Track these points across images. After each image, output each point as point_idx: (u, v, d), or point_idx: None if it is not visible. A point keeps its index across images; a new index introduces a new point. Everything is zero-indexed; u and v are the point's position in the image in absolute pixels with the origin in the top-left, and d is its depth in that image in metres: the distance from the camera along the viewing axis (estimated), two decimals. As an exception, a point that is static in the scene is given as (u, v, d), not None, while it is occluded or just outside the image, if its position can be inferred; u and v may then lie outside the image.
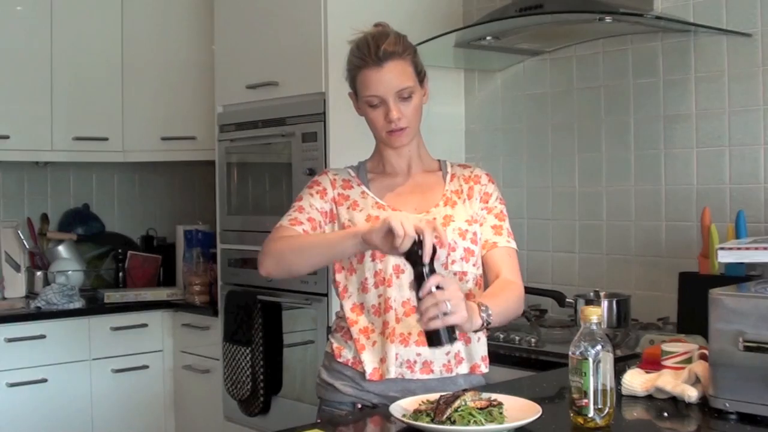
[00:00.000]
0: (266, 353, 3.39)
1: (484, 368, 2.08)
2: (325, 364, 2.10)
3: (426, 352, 1.98)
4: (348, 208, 2.05)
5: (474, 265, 2.05)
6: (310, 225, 2.03)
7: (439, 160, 2.17)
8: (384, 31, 2.03)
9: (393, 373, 1.98)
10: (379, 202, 2.05)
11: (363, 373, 2.00)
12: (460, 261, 2.02)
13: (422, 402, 1.73)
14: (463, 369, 2.04)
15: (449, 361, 2.02)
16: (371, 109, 2.00)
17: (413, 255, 1.74)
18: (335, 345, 2.07)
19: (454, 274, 2.01)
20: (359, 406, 2.01)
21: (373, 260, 1.99)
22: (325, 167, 3.07)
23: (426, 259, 1.73)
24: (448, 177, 2.12)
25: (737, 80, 2.76)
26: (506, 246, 2.08)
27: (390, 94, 1.97)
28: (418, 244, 1.74)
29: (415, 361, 1.99)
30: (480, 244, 2.07)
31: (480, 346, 2.08)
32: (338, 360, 2.05)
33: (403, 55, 1.99)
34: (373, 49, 1.97)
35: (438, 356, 2.00)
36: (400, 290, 1.98)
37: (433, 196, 2.08)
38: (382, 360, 1.99)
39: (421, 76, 2.04)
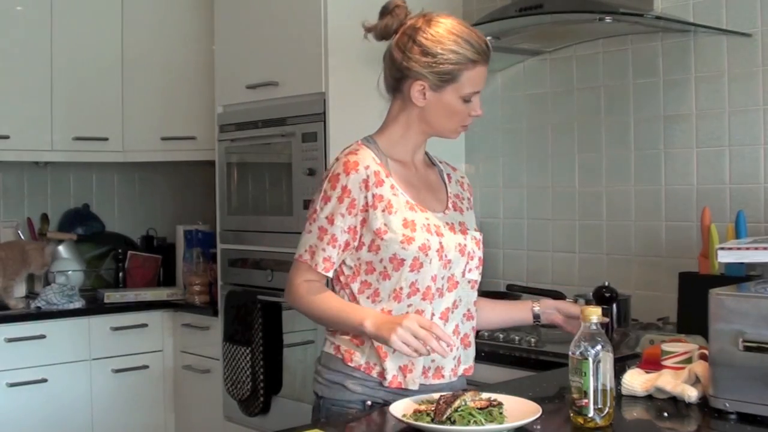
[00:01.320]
0: (266, 353, 3.39)
1: (472, 369, 2.09)
2: (327, 365, 2.00)
3: (438, 358, 1.95)
4: (383, 210, 1.92)
5: (480, 273, 2.06)
6: (339, 256, 1.95)
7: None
8: (467, 24, 2.00)
9: (417, 385, 1.93)
10: (410, 201, 1.96)
11: (379, 380, 1.94)
12: (475, 270, 2.02)
13: (422, 402, 1.73)
14: (460, 371, 2.04)
15: (455, 366, 2.01)
16: (465, 103, 1.97)
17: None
18: (343, 348, 1.97)
19: (468, 282, 2.01)
20: (369, 403, 1.95)
21: (412, 270, 1.92)
22: (325, 168, 3.05)
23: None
24: (445, 176, 2.11)
25: (737, 80, 2.76)
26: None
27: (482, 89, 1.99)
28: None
29: (429, 368, 1.97)
30: None
31: (472, 351, 2.08)
32: (348, 364, 1.96)
33: None
34: (484, 46, 1.95)
35: (447, 361, 1.98)
36: (432, 302, 1.95)
37: (441, 195, 2.07)
38: (403, 369, 1.93)
39: None
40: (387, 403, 1.91)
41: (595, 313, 1.65)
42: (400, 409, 1.72)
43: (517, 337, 2.72)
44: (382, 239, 1.92)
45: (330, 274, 1.97)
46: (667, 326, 2.75)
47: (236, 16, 3.58)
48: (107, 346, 3.79)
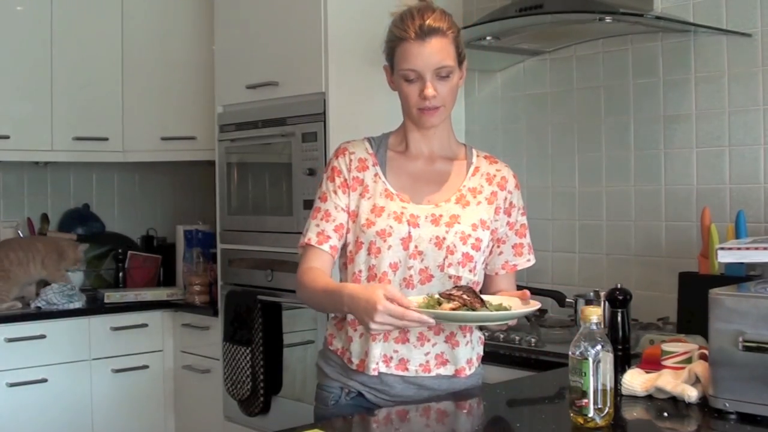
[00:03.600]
0: (266, 353, 3.39)
1: (468, 371, 2.02)
2: (321, 349, 2.11)
3: (402, 349, 1.97)
4: (360, 195, 1.99)
5: (471, 271, 1.98)
6: (338, 235, 1.99)
7: (465, 146, 2.10)
8: (429, 5, 1.95)
9: (371, 370, 1.96)
10: (389, 190, 1.98)
11: (350, 364, 2.00)
12: (456, 265, 1.96)
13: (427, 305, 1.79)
14: (448, 371, 2.00)
15: (427, 362, 1.98)
16: (407, 83, 1.93)
17: None
18: (329, 332, 2.08)
19: (449, 277, 1.96)
20: (346, 390, 2.02)
21: (369, 254, 1.96)
22: (325, 167, 3.06)
23: None
24: (471, 169, 2.06)
25: (737, 80, 2.76)
26: (524, 266, 2.11)
27: (428, 71, 1.91)
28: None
29: (392, 357, 1.97)
30: (499, 264, 2.07)
31: (467, 349, 2.02)
32: (329, 347, 2.05)
33: (446, 32, 1.92)
34: (417, 22, 1.90)
35: (415, 355, 1.97)
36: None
37: (448, 188, 2.02)
38: (366, 354, 1.97)
39: (461, 57, 1.97)
40: (359, 393, 2.00)
41: (595, 313, 1.65)
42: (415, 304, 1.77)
43: (517, 337, 2.72)
44: (353, 222, 1.99)
45: (325, 248, 1.98)
46: (667, 326, 2.75)
47: (236, 16, 3.58)
48: (107, 346, 3.79)
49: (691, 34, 2.86)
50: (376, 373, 1.96)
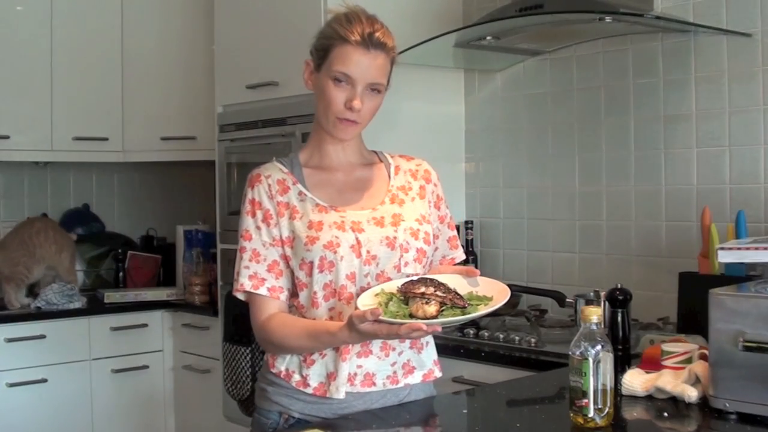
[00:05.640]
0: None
1: (437, 372, 1.95)
2: (262, 370, 1.98)
3: (367, 364, 1.85)
4: (290, 218, 1.87)
5: (424, 266, 1.91)
6: (274, 274, 1.86)
7: (375, 152, 2.03)
8: (378, 19, 1.88)
9: (341, 393, 1.82)
10: (320, 204, 1.88)
11: (298, 388, 1.87)
12: (413, 263, 1.88)
13: (385, 303, 1.72)
14: (416, 379, 1.91)
15: (395, 372, 1.88)
16: (334, 84, 1.83)
17: None
18: (269, 353, 1.93)
19: (407, 276, 1.85)
20: (285, 416, 1.89)
21: (321, 271, 1.83)
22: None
23: None
24: (392, 169, 1.98)
25: (737, 80, 2.76)
26: (460, 259, 2.04)
27: (362, 82, 1.83)
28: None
29: (356, 374, 1.84)
30: (437, 259, 2.00)
31: (431, 349, 1.95)
32: (271, 369, 1.91)
33: (389, 52, 1.86)
34: (366, 30, 1.83)
35: (381, 367, 1.86)
36: (352, 302, 1.82)
37: (377, 191, 1.94)
38: (330, 376, 1.84)
39: (389, 81, 1.90)
40: (301, 419, 1.87)
41: (595, 313, 1.65)
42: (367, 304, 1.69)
43: (517, 337, 2.71)
44: (291, 248, 1.86)
45: (262, 291, 1.86)
46: (667, 326, 2.75)
47: (236, 16, 3.58)
48: (107, 346, 3.79)
49: (691, 34, 2.86)
50: (343, 396, 1.83)
